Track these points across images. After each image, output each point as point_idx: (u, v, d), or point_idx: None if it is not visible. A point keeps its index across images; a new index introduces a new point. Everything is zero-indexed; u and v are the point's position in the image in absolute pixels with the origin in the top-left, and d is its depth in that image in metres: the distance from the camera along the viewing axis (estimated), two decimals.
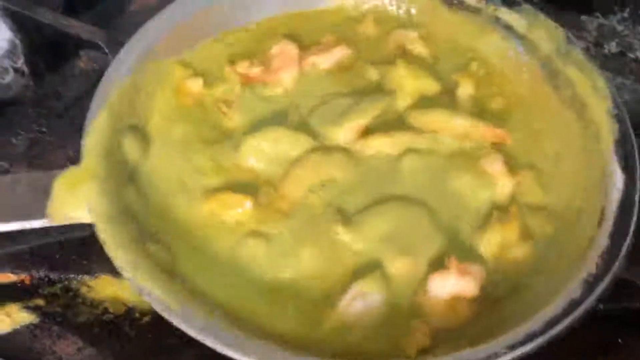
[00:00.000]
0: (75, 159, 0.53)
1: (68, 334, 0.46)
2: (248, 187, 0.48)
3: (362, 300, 0.41)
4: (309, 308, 0.42)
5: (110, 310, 0.47)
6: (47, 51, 0.69)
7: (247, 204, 0.46)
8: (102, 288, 0.48)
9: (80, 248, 0.48)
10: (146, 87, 0.52)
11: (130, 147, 0.48)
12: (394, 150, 0.50)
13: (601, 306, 0.42)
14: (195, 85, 0.54)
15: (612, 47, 0.66)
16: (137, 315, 0.47)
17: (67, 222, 0.42)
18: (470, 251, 0.45)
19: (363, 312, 0.42)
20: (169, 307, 0.39)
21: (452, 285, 0.42)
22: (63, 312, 0.47)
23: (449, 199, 0.48)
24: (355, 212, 0.47)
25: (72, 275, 0.48)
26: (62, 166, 0.54)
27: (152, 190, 0.47)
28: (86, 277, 0.48)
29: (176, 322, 0.38)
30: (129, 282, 0.40)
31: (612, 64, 0.64)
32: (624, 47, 0.66)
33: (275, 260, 0.44)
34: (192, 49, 0.57)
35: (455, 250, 0.45)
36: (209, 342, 0.38)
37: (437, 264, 0.44)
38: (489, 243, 0.45)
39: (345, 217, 0.46)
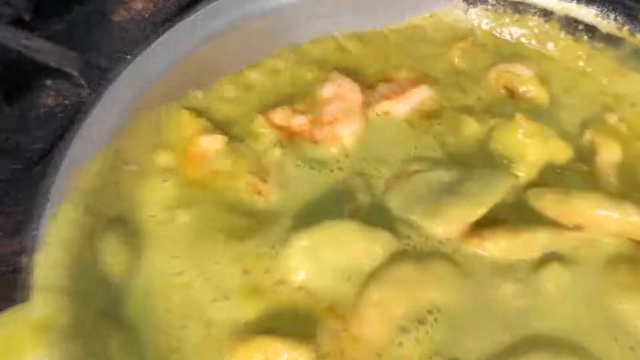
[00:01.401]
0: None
1: None
2: (301, 321, 0.30)
3: None
4: None
5: None
6: (1, 78, 0.52)
7: None
8: None
9: None
10: (137, 152, 0.34)
11: (113, 256, 0.30)
12: (524, 256, 0.33)
13: None
14: (214, 144, 0.36)
15: None
16: None
17: None
18: None
19: None
20: None
21: None
22: None
23: (617, 338, 0.31)
24: None
25: None
26: (12, 266, 0.37)
27: (149, 332, 0.29)
28: None
29: None
30: None
31: None
32: None
33: None
34: (206, 89, 0.39)
35: None
36: None
37: None
38: None
39: None
